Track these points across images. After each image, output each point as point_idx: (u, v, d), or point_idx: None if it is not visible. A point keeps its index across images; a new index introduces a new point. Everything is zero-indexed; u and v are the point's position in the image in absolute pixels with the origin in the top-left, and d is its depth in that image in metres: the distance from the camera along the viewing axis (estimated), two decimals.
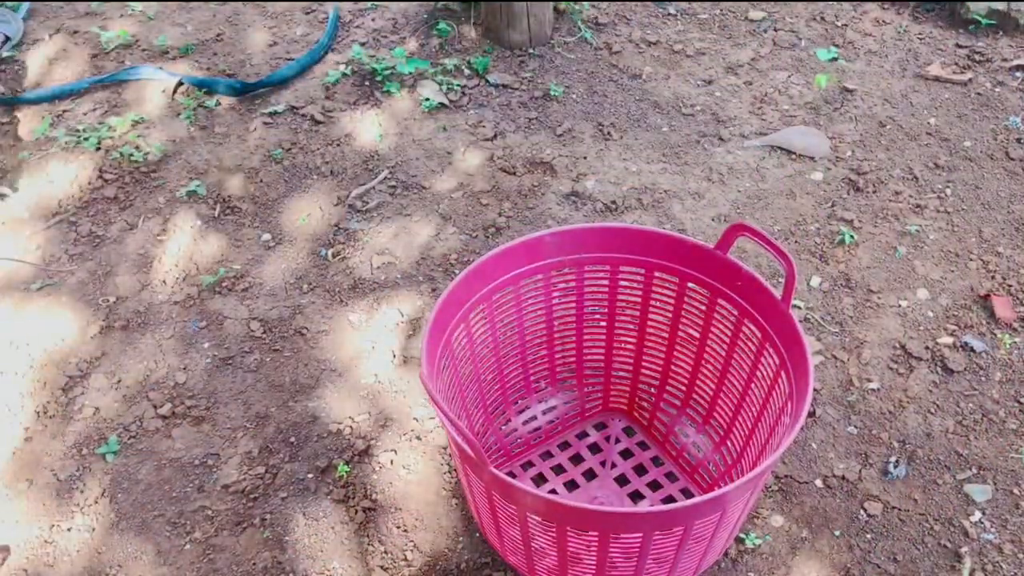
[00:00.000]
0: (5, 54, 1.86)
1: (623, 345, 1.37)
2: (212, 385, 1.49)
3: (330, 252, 1.71)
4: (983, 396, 1.45)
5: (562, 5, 2.25)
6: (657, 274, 1.25)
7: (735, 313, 1.20)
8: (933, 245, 1.70)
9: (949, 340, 1.53)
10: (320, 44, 2.16)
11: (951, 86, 2.05)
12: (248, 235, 1.74)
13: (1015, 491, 1.33)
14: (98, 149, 1.90)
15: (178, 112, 2.00)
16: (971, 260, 1.66)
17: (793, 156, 1.89)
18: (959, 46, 2.15)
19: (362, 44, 2.18)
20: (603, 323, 1.35)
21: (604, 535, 0.99)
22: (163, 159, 1.89)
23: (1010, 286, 1.61)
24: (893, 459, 1.37)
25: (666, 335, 1.32)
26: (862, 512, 1.31)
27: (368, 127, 1.96)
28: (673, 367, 1.35)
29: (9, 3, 2.30)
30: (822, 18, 2.27)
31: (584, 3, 2.30)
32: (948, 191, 1.80)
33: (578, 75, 2.10)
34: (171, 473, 1.37)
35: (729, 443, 1.29)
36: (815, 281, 1.63)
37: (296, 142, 1.93)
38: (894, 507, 1.31)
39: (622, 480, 1.34)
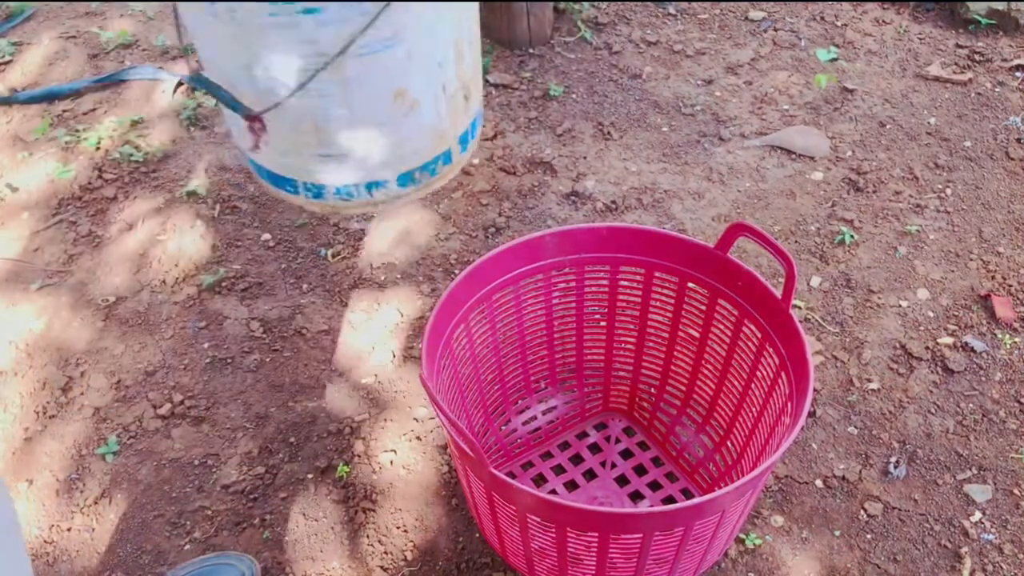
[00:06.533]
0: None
1: (623, 345, 1.37)
2: (212, 385, 1.48)
3: (330, 252, 1.71)
4: (983, 396, 1.45)
5: (562, 5, 2.25)
6: (657, 274, 1.25)
7: (735, 313, 1.20)
8: (933, 245, 1.70)
9: (949, 340, 1.53)
10: None
11: (951, 86, 2.05)
12: (248, 235, 1.74)
13: (1015, 491, 1.33)
14: (98, 149, 1.90)
15: (178, 112, 2.00)
16: (971, 260, 1.66)
17: (793, 156, 1.89)
18: (959, 46, 2.15)
19: None
20: (603, 323, 1.35)
21: (604, 535, 0.99)
22: (163, 159, 1.89)
23: (1010, 286, 1.61)
24: (893, 459, 1.37)
25: (666, 335, 1.32)
26: (862, 512, 1.31)
27: None
28: (673, 367, 1.35)
29: (11, 3, 2.30)
30: (822, 18, 2.27)
31: (584, 3, 2.29)
32: (948, 191, 1.80)
33: (578, 75, 2.10)
34: (171, 473, 1.37)
35: (729, 443, 1.29)
36: (815, 281, 1.63)
37: None
38: (894, 507, 1.31)
39: (622, 480, 1.34)
